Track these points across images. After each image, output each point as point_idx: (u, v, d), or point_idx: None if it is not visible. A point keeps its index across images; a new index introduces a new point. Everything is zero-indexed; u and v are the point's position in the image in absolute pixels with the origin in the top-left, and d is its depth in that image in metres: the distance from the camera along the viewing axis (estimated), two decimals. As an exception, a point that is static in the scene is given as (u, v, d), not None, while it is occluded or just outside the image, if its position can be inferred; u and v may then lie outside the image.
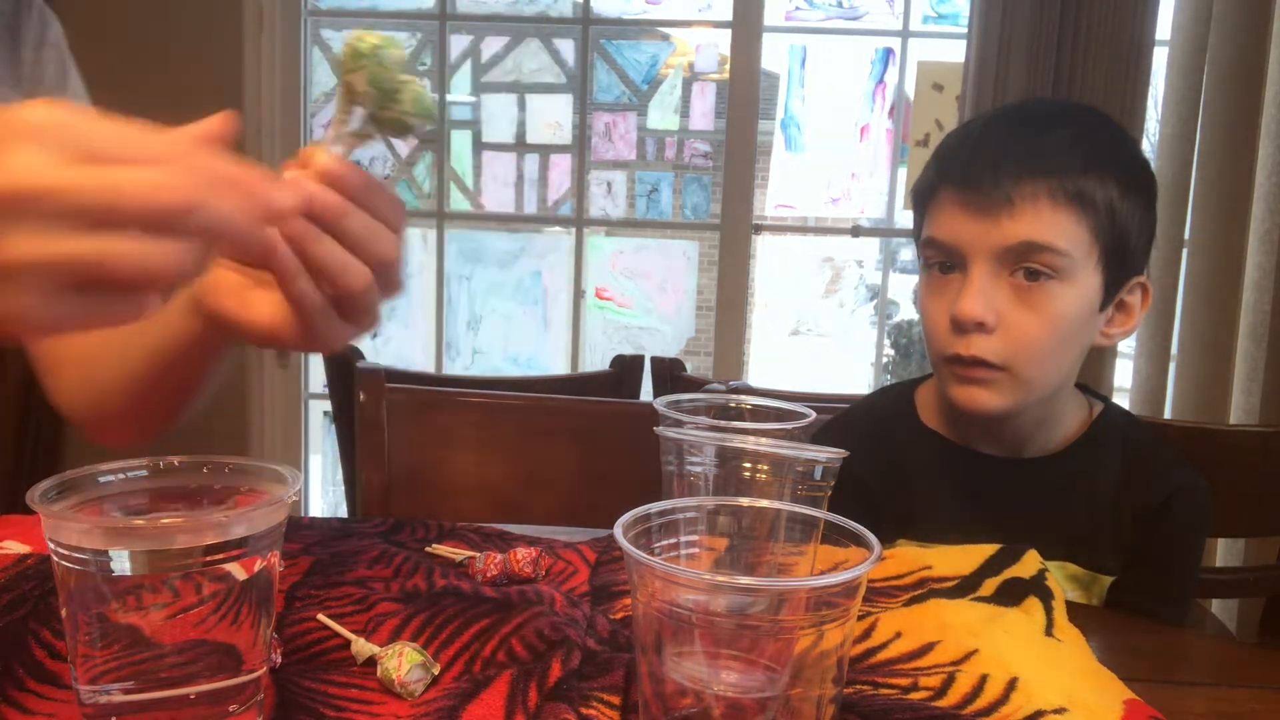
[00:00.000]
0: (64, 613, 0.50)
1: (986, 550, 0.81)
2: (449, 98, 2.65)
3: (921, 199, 0.96)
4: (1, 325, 0.42)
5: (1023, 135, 0.92)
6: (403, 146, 2.93)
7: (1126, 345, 2.12)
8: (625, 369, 1.69)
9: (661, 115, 3.51)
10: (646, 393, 1.69)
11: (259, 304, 0.58)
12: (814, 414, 0.76)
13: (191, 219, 0.42)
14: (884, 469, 0.99)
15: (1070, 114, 0.99)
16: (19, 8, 0.84)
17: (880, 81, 3.24)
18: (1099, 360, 2.00)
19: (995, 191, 0.87)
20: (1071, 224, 0.87)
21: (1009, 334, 0.88)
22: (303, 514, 1.64)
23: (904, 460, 1.01)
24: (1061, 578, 0.95)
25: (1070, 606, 0.74)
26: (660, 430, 0.71)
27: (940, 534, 0.92)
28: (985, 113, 1.09)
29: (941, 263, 0.93)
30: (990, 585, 0.76)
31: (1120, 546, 0.96)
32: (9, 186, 0.40)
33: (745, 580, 0.49)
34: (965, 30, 2.12)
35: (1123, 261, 0.90)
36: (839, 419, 1.08)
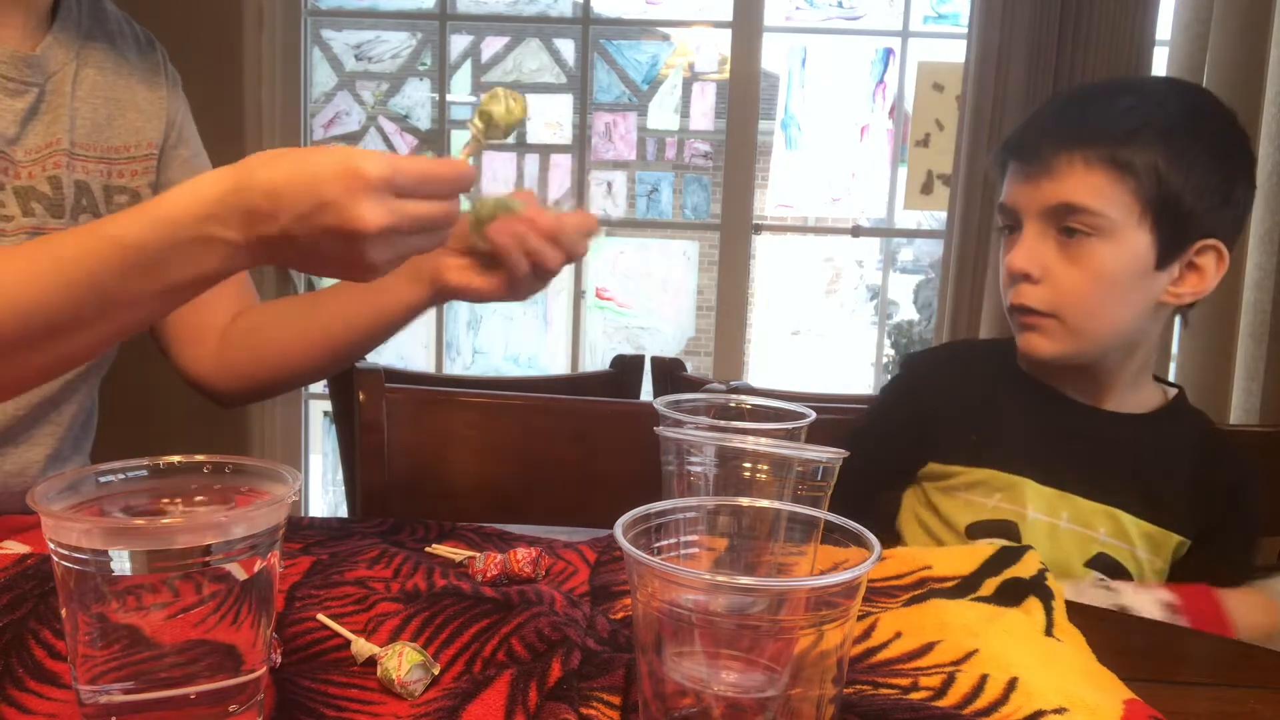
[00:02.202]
0: (64, 613, 0.50)
1: (986, 550, 0.82)
2: (449, 98, 2.65)
3: (998, 171, 1.06)
4: (363, 275, 0.73)
5: (1069, 109, 1.04)
6: (402, 145, 2.94)
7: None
8: (625, 369, 1.68)
9: (661, 115, 3.50)
10: (646, 393, 1.69)
11: (474, 277, 0.90)
12: (814, 414, 0.75)
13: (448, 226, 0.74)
14: (971, 394, 1.08)
15: (1137, 87, 1.08)
16: (155, 51, 1.11)
17: (880, 81, 3.23)
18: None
19: (1037, 159, 0.98)
20: (1108, 186, 0.94)
21: (1054, 285, 0.97)
22: (303, 514, 1.64)
23: (993, 389, 1.07)
24: (1136, 534, 1.00)
25: (1070, 606, 0.74)
26: (660, 430, 0.71)
27: (1022, 467, 1.00)
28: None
29: (1008, 225, 1.03)
30: (990, 585, 0.76)
31: (1195, 514, 1.02)
32: (364, 227, 0.68)
33: (745, 580, 0.49)
34: (965, 30, 2.12)
35: (1178, 223, 0.95)
36: (936, 346, 1.21)
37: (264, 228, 0.69)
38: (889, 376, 1.15)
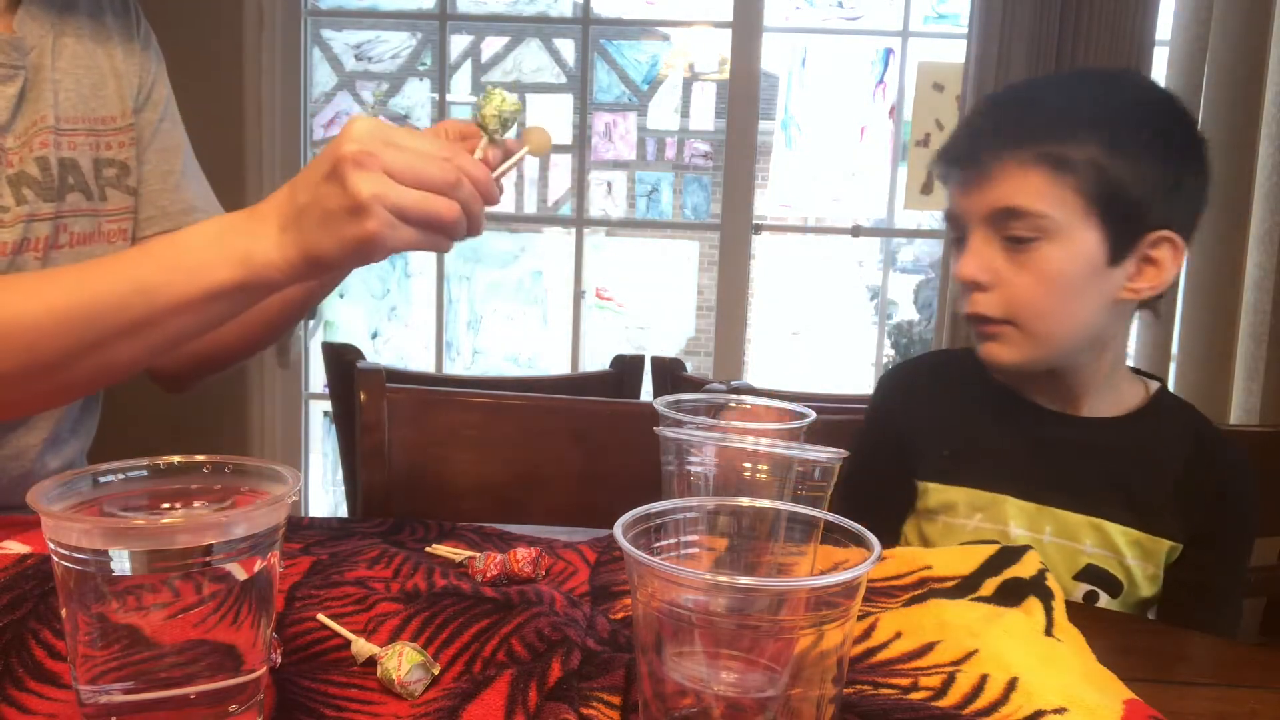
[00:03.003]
0: (64, 613, 0.50)
1: (986, 550, 0.82)
2: (449, 98, 2.65)
3: (942, 181, 1.03)
4: (362, 246, 0.71)
5: (998, 110, 1.02)
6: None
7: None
8: (625, 369, 1.69)
9: (661, 115, 3.51)
10: (646, 393, 1.69)
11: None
12: (814, 414, 0.76)
13: (456, 192, 0.72)
14: (944, 409, 1.05)
15: (1063, 83, 1.05)
16: (129, 13, 1.08)
17: (880, 81, 3.24)
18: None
19: (974, 164, 0.96)
20: (1046, 186, 0.91)
21: (1006, 291, 0.94)
22: (303, 514, 1.64)
23: (966, 403, 1.05)
24: (1124, 543, 0.98)
25: (1070, 606, 0.74)
26: (660, 430, 0.71)
27: (1001, 483, 0.98)
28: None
29: (958, 235, 1.00)
30: (990, 585, 0.76)
31: (1185, 518, 0.99)
32: (351, 152, 0.69)
33: (745, 580, 0.49)
34: (965, 30, 2.12)
35: (1127, 217, 0.92)
36: (908, 360, 1.16)
37: (286, 203, 0.74)
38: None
